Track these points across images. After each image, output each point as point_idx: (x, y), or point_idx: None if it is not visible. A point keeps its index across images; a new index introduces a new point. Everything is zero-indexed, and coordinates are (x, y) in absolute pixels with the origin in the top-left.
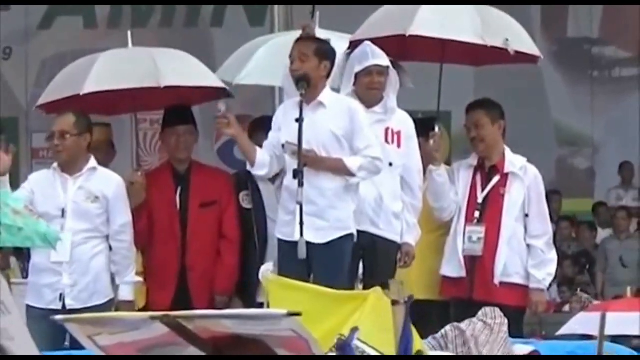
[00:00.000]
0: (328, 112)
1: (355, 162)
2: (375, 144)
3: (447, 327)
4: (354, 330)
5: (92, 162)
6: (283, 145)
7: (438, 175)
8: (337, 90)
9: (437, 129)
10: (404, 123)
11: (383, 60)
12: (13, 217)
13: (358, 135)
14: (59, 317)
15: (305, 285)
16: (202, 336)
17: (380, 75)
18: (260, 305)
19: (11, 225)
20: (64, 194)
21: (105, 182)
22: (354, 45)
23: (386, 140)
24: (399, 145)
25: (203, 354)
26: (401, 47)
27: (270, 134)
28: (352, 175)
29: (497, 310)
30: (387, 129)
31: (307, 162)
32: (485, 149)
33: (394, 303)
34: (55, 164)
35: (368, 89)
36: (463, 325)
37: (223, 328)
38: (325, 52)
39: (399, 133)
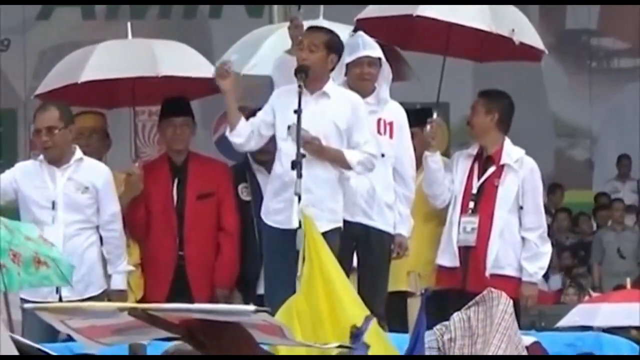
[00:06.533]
0: (332, 104)
1: (355, 156)
2: (372, 141)
3: (455, 317)
4: (369, 318)
5: (78, 152)
6: (289, 127)
7: (433, 162)
8: None
9: (434, 115)
10: (396, 114)
11: (374, 51)
12: (24, 242)
13: (358, 130)
14: (28, 305)
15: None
16: (173, 321)
17: (371, 66)
18: (260, 298)
19: (25, 261)
20: (53, 186)
21: (93, 172)
22: (359, 24)
23: (378, 131)
24: (391, 136)
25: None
26: (406, 32)
27: (261, 113)
28: (349, 168)
29: (504, 295)
30: (379, 120)
31: (311, 149)
32: (475, 135)
33: (410, 295)
34: (41, 156)
35: (359, 79)
36: (470, 312)
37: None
38: (335, 45)
39: (391, 124)
